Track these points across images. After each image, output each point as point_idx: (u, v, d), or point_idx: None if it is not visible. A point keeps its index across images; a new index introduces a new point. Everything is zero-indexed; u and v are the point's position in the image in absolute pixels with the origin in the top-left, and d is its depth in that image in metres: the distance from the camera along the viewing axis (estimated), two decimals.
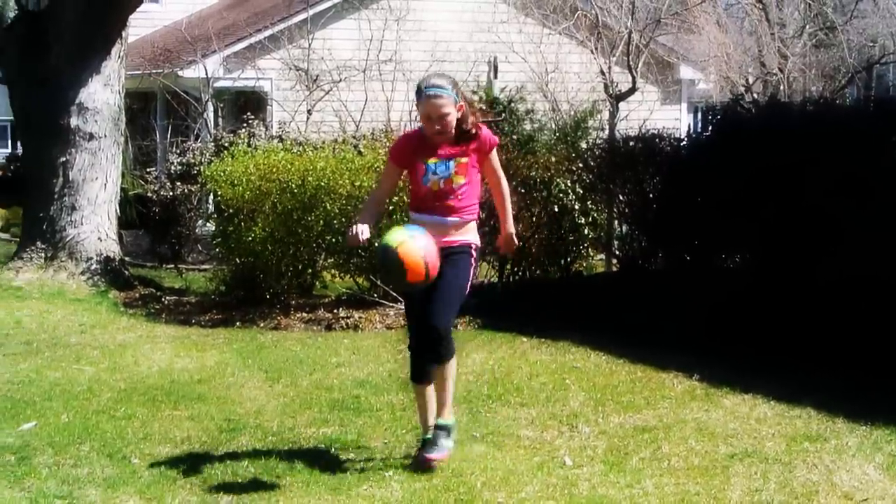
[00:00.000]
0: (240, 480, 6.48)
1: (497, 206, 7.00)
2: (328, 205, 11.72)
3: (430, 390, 6.76)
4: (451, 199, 6.58)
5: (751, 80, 22.94)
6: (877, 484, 6.30)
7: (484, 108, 17.71)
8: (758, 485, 6.31)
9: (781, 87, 22.01)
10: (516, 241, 7.01)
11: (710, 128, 13.23)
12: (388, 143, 13.16)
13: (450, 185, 6.56)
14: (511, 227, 6.94)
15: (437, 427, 6.69)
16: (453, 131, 6.53)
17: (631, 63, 16.54)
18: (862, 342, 9.33)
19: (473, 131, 6.56)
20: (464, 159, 6.58)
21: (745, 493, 6.19)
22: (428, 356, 6.63)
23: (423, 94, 6.52)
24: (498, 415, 7.92)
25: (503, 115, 19.19)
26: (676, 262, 12.86)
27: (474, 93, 19.94)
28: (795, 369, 9.05)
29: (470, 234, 6.69)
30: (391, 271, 6.53)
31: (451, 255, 6.57)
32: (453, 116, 6.48)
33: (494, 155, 6.77)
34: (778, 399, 8.11)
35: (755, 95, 20.84)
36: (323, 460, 6.89)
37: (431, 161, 6.56)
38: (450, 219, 6.59)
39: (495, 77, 21.38)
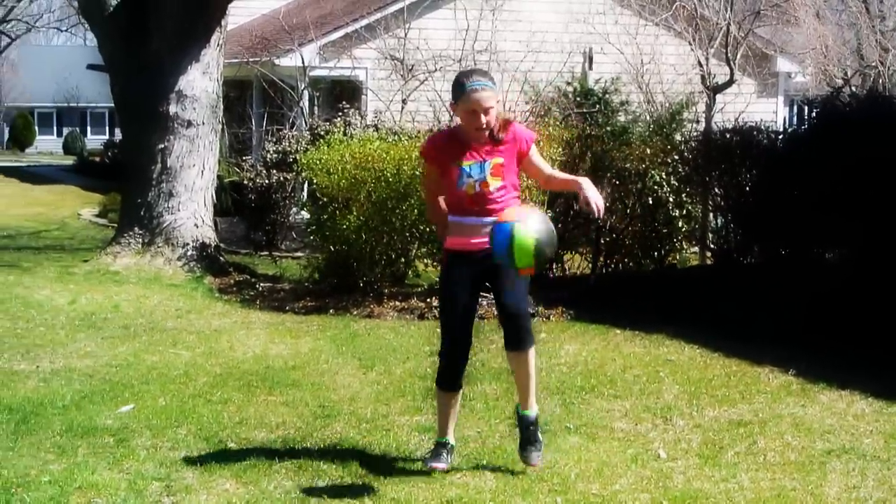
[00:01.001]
0: (334, 466, 6.51)
1: (558, 187, 7.02)
2: (423, 194, 11.72)
3: (458, 399, 6.64)
4: (488, 202, 6.30)
5: (849, 74, 22.64)
6: None
7: (579, 99, 17.72)
8: (855, 482, 6.23)
9: (881, 81, 21.68)
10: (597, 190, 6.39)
11: (808, 121, 13.10)
12: None
13: (486, 188, 6.28)
14: (582, 179, 6.45)
15: (524, 419, 6.50)
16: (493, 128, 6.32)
17: (729, 55, 16.37)
18: None
19: (501, 133, 6.31)
20: (499, 159, 6.31)
21: (843, 489, 6.12)
22: (512, 344, 6.42)
23: (468, 89, 6.19)
24: (591, 406, 7.90)
25: (598, 106, 19.13)
26: (772, 256, 12.75)
27: (569, 84, 19.90)
28: (893, 365, 8.93)
29: None
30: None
31: None
32: (496, 111, 6.27)
33: (535, 152, 6.49)
34: (876, 395, 8.00)
35: (853, 89, 20.57)
36: (417, 448, 6.92)
37: (466, 164, 6.29)
38: (489, 219, 6.25)
39: (590, 68, 21.29)
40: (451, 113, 6.66)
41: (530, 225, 6.00)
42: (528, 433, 6.50)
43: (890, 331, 9.63)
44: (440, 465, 6.43)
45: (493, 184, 6.32)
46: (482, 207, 6.33)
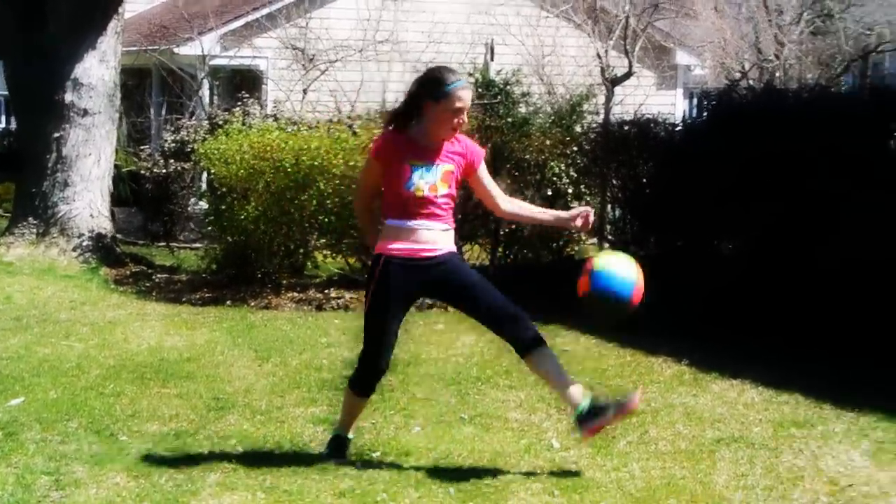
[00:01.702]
0: (227, 459, 6.47)
1: (525, 216, 6.79)
2: (322, 184, 11.71)
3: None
4: (434, 207, 6.16)
5: (747, 67, 22.90)
6: (862, 470, 6.31)
7: (481, 91, 17.72)
8: (744, 469, 6.32)
9: (777, 74, 21.95)
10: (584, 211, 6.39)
11: (705, 113, 13.23)
12: (383, 124, 13.13)
13: (434, 192, 6.13)
14: (562, 213, 6.67)
15: (583, 413, 6.09)
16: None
17: (627, 47, 16.50)
18: (853, 329, 9.34)
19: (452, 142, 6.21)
20: (450, 166, 6.18)
21: (731, 477, 6.20)
22: (534, 345, 6.25)
23: (454, 87, 6.01)
24: (486, 397, 7.94)
25: (499, 97, 19.16)
26: (669, 248, 12.85)
27: (470, 75, 19.90)
28: (786, 355, 9.08)
29: (452, 242, 6.33)
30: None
31: (452, 262, 6.27)
32: None
33: (484, 170, 6.38)
34: (766, 385, 8.13)
35: (751, 82, 20.79)
36: (311, 440, 6.90)
37: (417, 164, 6.12)
38: (439, 224, 6.20)
39: (492, 59, 21.30)
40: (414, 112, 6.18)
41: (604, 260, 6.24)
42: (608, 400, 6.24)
43: (781, 321, 9.76)
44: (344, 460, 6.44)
45: (441, 189, 6.16)
46: (428, 212, 6.16)
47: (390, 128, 6.27)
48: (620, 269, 6.18)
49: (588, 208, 6.37)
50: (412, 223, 6.16)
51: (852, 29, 24.12)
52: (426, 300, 11.44)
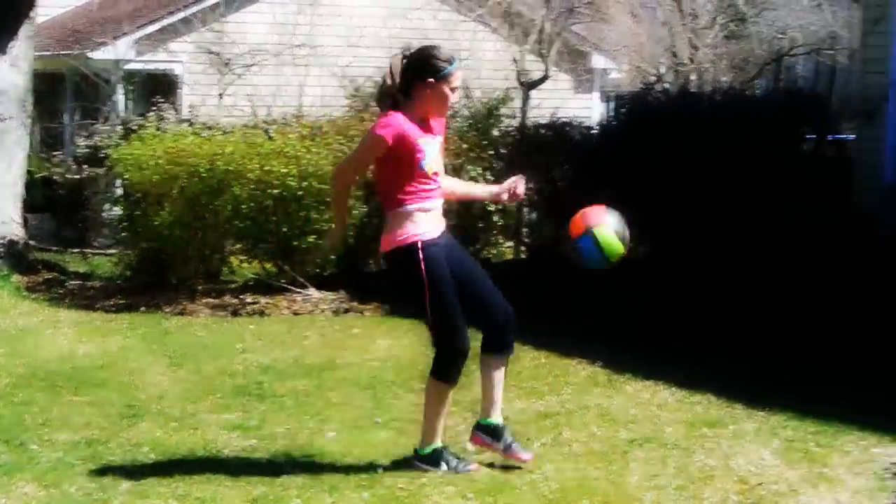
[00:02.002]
0: (139, 467, 6.43)
1: (460, 192, 6.76)
2: (237, 189, 11.66)
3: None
4: (437, 183, 6.16)
5: (663, 70, 23.08)
6: (772, 468, 6.37)
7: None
8: (656, 470, 6.36)
9: (692, 78, 22.14)
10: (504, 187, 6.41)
11: (619, 116, 13.31)
12: (298, 129, 13.08)
13: (437, 168, 6.15)
14: (493, 187, 6.67)
15: (498, 429, 6.37)
16: None
17: (543, 51, 16.56)
18: (763, 329, 9.45)
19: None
20: (440, 141, 6.22)
21: (644, 477, 6.23)
22: (507, 348, 6.42)
23: (454, 67, 6.05)
24: (402, 401, 7.93)
25: None
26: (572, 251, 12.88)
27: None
28: (700, 356, 9.13)
29: None
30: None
31: (457, 242, 6.33)
32: None
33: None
34: (679, 385, 8.18)
35: (666, 85, 20.96)
36: (224, 447, 6.86)
37: (425, 142, 6.05)
38: (441, 201, 6.23)
39: None
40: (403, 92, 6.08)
41: (605, 223, 6.20)
42: (509, 438, 6.39)
43: (695, 322, 9.84)
44: (474, 465, 6.36)
45: (439, 164, 6.19)
46: (438, 189, 6.15)
47: (389, 107, 6.09)
48: (606, 245, 6.25)
49: (518, 178, 6.32)
50: (430, 203, 6.12)
51: (765, 33, 24.41)
52: (342, 304, 11.45)
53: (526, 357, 9.15)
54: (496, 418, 6.40)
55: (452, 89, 6.08)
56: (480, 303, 6.28)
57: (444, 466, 6.31)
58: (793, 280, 9.86)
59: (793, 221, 10.29)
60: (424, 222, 6.10)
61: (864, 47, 12.74)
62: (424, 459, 6.36)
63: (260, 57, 18.17)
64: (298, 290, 11.78)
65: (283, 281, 11.94)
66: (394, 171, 6.08)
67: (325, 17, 19.38)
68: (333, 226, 6.19)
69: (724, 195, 10.59)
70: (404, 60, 6.09)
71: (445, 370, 6.31)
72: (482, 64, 19.80)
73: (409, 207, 6.08)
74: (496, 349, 6.39)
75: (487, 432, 6.39)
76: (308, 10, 18.93)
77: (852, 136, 13.26)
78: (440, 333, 6.26)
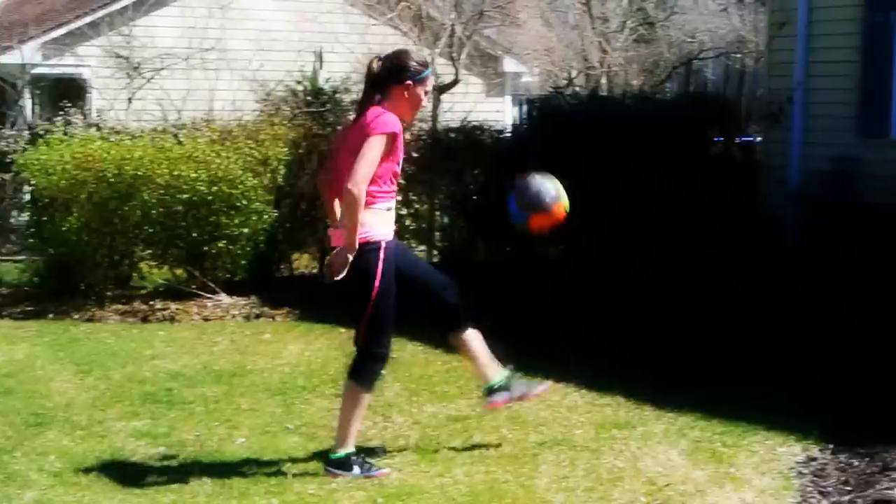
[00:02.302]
0: (45, 476, 6.36)
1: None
2: (146, 194, 11.57)
3: None
4: None
5: (574, 74, 23.24)
6: (680, 469, 6.43)
7: (310, 98, 17.64)
8: (565, 472, 6.39)
9: (603, 81, 22.31)
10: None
11: (528, 120, 13.38)
12: (209, 133, 13.00)
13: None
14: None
15: (498, 386, 6.76)
16: None
17: (453, 55, 16.59)
18: (672, 332, 9.53)
19: None
20: None
21: (553, 479, 6.26)
22: (469, 319, 6.76)
23: (429, 71, 6.39)
24: (312, 406, 7.90)
25: (328, 105, 19.10)
26: (497, 253, 12.96)
27: (299, 83, 19.83)
28: (609, 358, 9.17)
29: None
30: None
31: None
32: None
33: None
34: (589, 388, 8.22)
35: (577, 89, 21.11)
36: (133, 455, 6.80)
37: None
38: None
39: (321, 67, 21.22)
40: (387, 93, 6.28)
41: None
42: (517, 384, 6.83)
43: (604, 325, 9.92)
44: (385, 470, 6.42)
45: None
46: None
47: (377, 106, 6.23)
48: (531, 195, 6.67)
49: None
50: (392, 203, 6.33)
51: (674, 36, 24.68)
52: (254, 310, 11.40)
53: (437, 361, 9.16)
54: (499, 375, 6.76)
55: (426, 92, 6.34)
56: (434, 291, 6.58)
57: (355, 471, 6.32)
58: (698, 283, 9.97)
59: (698, 224, 10.38)
60: (387, 222, 6.30)
61: (769, 51, 12.91)
62: (336, 464, 6.35)
63: (170, 61, 18.02)
64: (209, 295, 11.71)
65: (193, 286, 11.85)
66: (383, 166, 6.17)
67: (235, 20, 19.26)
68: (345, 243, 6.07)
69: (631, 198, 10.68)
70: (380, 63, 6.30)
71: (366, 374, 6.39)
72: None
73: (379, 206, 6.21)
74: (462, 325, 6.71)
75: (500, 390, 6.76)
76: (218, 14, 18.81)
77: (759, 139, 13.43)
78: (370, 336, 6.33)
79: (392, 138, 6.13)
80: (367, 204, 6.13)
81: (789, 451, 6.77)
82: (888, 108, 11.20)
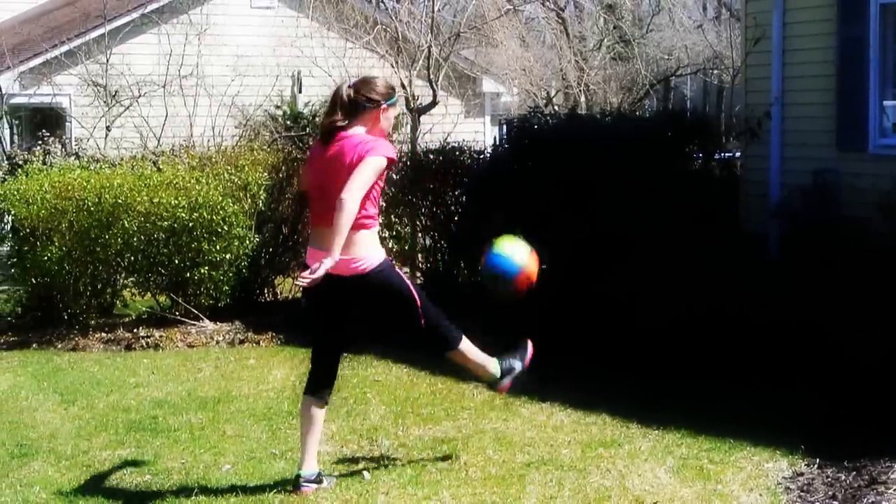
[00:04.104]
0: None
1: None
2: (126, 222, 11.55)
3: None
4: None
5: (552, 93, 23.31)
6: (667, 487, 6.44)
7: (289, 123, 17.65)
8: (552, 492, 6.39)
9: (582, 99, 22.40)
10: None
11: (508, 140, 13.38)
12: (188, 159, 13.01)
13: None
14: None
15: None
16: None
17: (431, 77, 16.61)
18: (655, 351, 9.54)
19: None
20: None
21: (540, 499, 6.26)
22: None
23: (398, 96, 6.81)
24: (298, 431, 7.83)
25: (307, 129, 19.12)
26: (479, 274, 12.93)
27: (278, 107, 19.85)
28: (594, 377, 9.15)
29: None
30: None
31: None
32: None
33: None
34: (575, 407, 8.22)
35: (556, 108, 21.17)
36: (119, 483, 6.78)
37: None
38: None
39: (299, 91, 21.26)
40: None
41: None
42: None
43: (589, 345, 9.91)
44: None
45: None
46: None
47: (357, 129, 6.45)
48: (510, 252, 6.82)
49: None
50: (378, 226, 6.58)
51: (652, 54, 24.78)
52: (238, 335, 11.38)
53: (422, 383, 9.16)
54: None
55: (395, 116, 6.69)
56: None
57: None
58: (679, 301, 9.98)
59: (678, 241, 10.41)
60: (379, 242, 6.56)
61: (745, 67, 12.96)
62: None
63: (147, 88, 18.01)
64: (193, 322, 11.69)
65: (177, 313, 11.83)
66: (375, 189, 6.41)
67: (212, 46, 19.24)
68: (328, 258, 6.15)
69: (611, 216, 10.69)
70: (350, 90, 6.48)
71: (450, 334, 6.78)
72: None
73: (374, 229, 6.47)
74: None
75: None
76: (195, 40, 18.81)
77: (739, 155, 13.49)
78: (436, 333, 6.71)
79: (389, 162, 6.38)
80: (368, 227, 6.39)
81: (776, 467, 6.79)
82: (865, 120, 11.26)
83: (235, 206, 11.93)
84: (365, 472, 6.81)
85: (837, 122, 11.55)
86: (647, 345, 9.65)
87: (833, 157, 11.49)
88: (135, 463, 7.14)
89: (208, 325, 11.67)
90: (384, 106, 6.51)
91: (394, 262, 6.63)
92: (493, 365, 6.93)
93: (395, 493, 6.43)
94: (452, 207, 13.35)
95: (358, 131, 6.42)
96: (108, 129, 17.06)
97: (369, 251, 6.39)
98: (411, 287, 6.59)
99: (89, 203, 11.57)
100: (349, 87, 6.53)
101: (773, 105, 12.08)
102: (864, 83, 11.24)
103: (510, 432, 7.66)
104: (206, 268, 11.72)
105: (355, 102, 6.46)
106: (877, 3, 11.15)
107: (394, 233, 13.23)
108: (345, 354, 6.83)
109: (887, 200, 10.02)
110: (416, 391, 8.95)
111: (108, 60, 18.13)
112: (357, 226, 6.26)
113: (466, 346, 6.79)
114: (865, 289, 9.38)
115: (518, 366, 7.15)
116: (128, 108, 17.53)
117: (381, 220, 6.63)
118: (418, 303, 6.55)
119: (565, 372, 9.27)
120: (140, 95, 17.65)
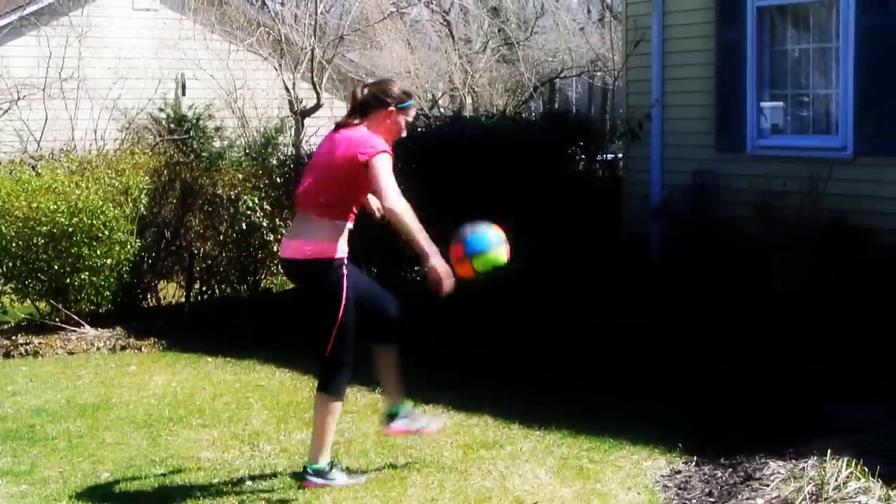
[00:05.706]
0: None
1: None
2: (3, 227, 11.36)
3: None
4: None
5: (438, 95, 23.36)
6: (547, 487, 6.48)
7: (172, 126, 17.51)
8: (434, 494, 6.40)
9: (468, 102, 22.48)
10: None
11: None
12: (67, 164, 12.82)
13: None
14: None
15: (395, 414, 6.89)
16: None
17: (315, 79, 16.59)
18: (538, 347, 9.59)
19: None
20: None
21: (421, 501, 6.27)
22: (396, 341, 6.75)
23: (412, 100, 6.68)
24: (179, 437, 7.80)
25: (191, 132, 18.98)
26: (386, 278, 12.92)
27: (161, 110, 19.67)
28: (479, 378, 9.17)
29: None
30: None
31: None
32: None
33: None
34: (458, 408, 8.24)
35: (442, 110, 21.23)
36: None
37: None
38: None
39: (183, 94, 21.11)
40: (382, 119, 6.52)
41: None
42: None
43: (471, 346, 9.95)
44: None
45: None
46: None
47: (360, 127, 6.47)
48: (484, 230, 6.76)
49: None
50: (352, 225, 6.48)
51: (536, 56, 24.94)
52: (119, 341, 11.25)
53: (305, 387, 9.10)
54: (403, 404, 6.94)
55: (406, 122, 6.61)
56: (377, 300, 6.67)
57: (339, 478, 6.57)
58: (566, 305, 10.05)
59: (563, 243, 10.49)
60: (346, 241, 6.43)
61: (626, 69, 13.09)
62: (316, 473, 6.53)
63: (27, 91, 17.76)
64: (73, 328, 11.52)
65: (57, 320, 11.65)
66: (349, 190, 6.42)
67: (93, 48, 19.04)
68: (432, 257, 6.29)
69: (493, 220, 10.72)
70: (365, 90, 6.58)
71: (337, 383, 6.55)
72: (256, 93, 19.77)
73: (344, 224, 6.41)
74: (387, 340, 6.77)
75: (401, 418, 6.93)
76: (76, 43, 18.58)
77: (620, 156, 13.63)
78: (338, 346, 6.46)
79: (392, 155, 6.41)
80: (332, 218, 6.38)
81: (654, 465, 6.87)
82: (743, 122, 11.42)
83: (116, 211, 11.78)
84: (247, 480, 6.75)
85: (716, 123, 11.72)
86: (533, 350, 9.66)
87: (712, 158, 11.65)
88: (11, 472, 7.01)
89: (89, 331, 11.51)
90: (392, 108, 6.52)
91: (347, 273, 6.40)
92: (325, 455, 6.56)
93: (276, 499, 6.39)
94: None
95: (361, 129, 6.47)
96: None
97: (323, 241, 6.35)
98: (342, 309, 6.37)
99: None
100: (364, 86, 6.67)
101: (654, 107, 12.23)
102: (742, 85, 11.41)
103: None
104: (87, 273, 11.55)
105: (364, 100, 6.53)
106: (753, 6, 11.32)
107: (278, 236, 13.15)
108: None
109: (762, 201, 10.19)
110: (300, 395, 8.90)
111: None
112: (322, 212, 6.36)
113: (333, 410, 6.54)
114: (738, 289, 9.53)
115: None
116: (6, 111, 17.28)
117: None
118: (334, 329, 6.40)
119: (451, 375, 9.28)
120: (19, 98, 17.41)
